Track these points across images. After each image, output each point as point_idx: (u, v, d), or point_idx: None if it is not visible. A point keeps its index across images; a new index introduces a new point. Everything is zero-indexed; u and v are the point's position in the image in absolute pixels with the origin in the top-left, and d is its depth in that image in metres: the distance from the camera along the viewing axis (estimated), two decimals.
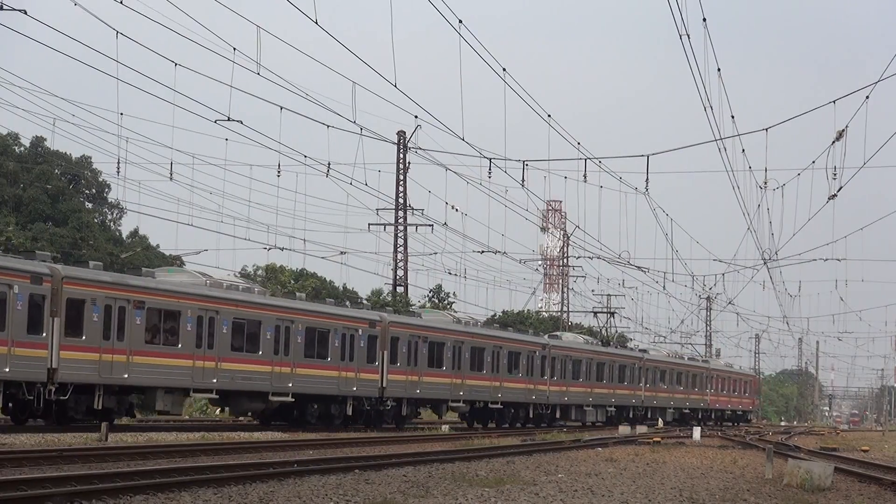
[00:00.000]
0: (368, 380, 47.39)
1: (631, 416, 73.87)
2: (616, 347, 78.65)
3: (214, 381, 40.37)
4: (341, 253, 66.23)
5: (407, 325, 50.63)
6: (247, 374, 41.71)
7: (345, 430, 45.36)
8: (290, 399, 43.80)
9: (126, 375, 37.00)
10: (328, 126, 44.15)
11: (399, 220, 70.01)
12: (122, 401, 38.10)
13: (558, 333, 72.24)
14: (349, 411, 46.96)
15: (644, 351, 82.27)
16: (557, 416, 64.35)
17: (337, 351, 45.82)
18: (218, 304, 40.51)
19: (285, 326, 43.43)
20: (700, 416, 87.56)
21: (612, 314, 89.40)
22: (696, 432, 52.41)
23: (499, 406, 57.32)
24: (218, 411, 54.60)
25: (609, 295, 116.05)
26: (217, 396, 41.79)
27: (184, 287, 39.78)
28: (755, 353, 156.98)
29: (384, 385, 48.05)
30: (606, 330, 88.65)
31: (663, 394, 79.61)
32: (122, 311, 36.83)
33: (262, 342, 42.41)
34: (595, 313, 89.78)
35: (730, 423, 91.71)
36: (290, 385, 43.61)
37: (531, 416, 60.98)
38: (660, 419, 77.67)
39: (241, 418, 50.12)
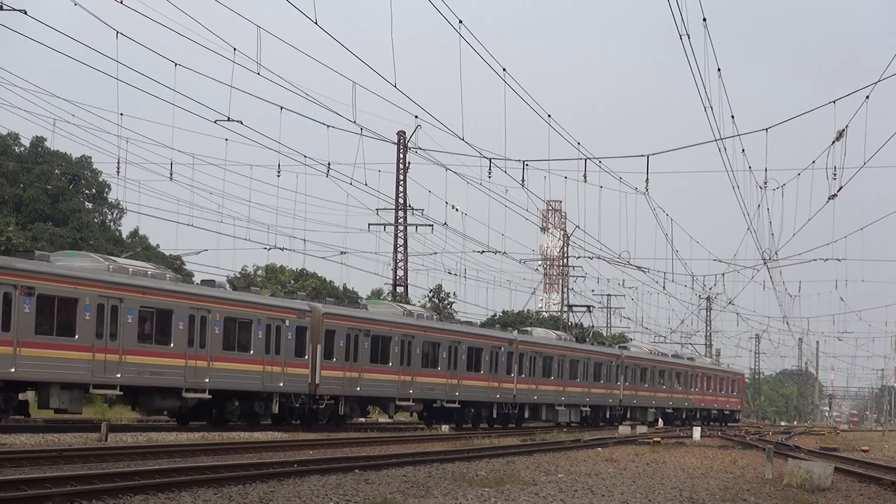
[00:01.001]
0: (297, 375, 43.92)
1: (608, 416, 71.08)
2: (592, 344, 74.36)
3: (118, 375, 36.65)
4: (341, 253, 66.26)
5: (344, 316, 46.78)
6: (156, 369, 38.07)
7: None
8: (206, 396, 40.30)
9: (13, 369, 33.56)
10: (328, 126, 44.25)
11: (399, 220, 69.96)
12: (10, 398, 35.01)
13: (528, 329, 68.90)
14: (275, 409, 43.61)
15: (624, 348, 78.81)
16: (526, 416, 61.18)
17: (260, 343, 42.27)
18: (122, 291, 36.79)
19: (201, 316, 39.79)
20: (684, 416, 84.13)
21: (590, 309, 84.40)
22: (696, 432, 52.43)
23: (456, 405, 53.91)
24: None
25: (609, 295, 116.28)
26: (122, 393, 37.91)
27: (81, 272, 36.15)
28: (755, 353, 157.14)
29: (316, 381, 44.59)
30: (581, 326, 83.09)
31: (644, 393, 75.69)
32: (7, 298, 33.36)
33: (174, 333, 38.70)
34: (570, 307, 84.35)
35: (716, 424, 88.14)
36: (207, 380, 40.02)
37: (495, 415, 57.52)
38: (659, 419, 77.37)
39: (158, 419, 46.12)
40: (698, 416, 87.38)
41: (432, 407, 53.57)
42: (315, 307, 45.61)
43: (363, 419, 55.99)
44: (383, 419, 60.24)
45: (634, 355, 76.11)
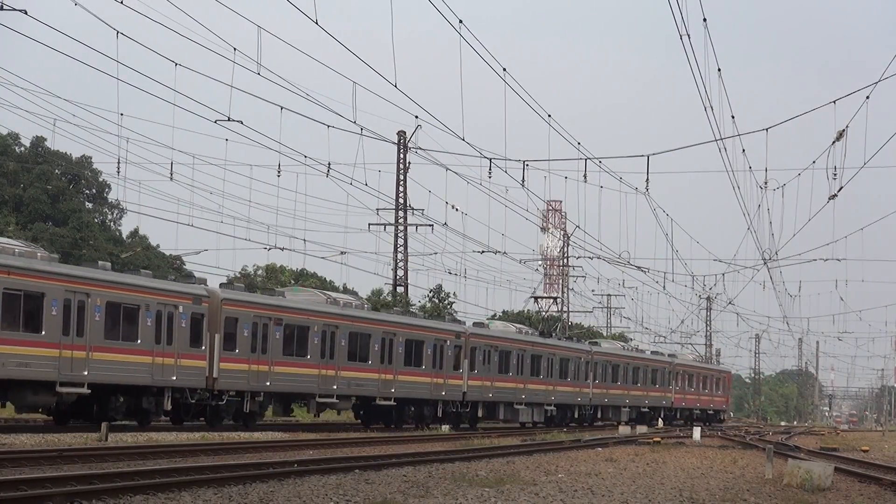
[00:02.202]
0: (192, 367, 39.38)
1: (576, 415, 67.33)
2: (560, 339, 68.56)
3: None
4: (341, 253, 66.22)
5: (249, 303, 42.21)
6: (23, 360, 33.70)
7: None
8: (85, 391, 35.79)
9: None
10: (328, 126, 44.21)
11: (399, 220, 69.97)
12: None
13: (485, 321, 64.80)
14: (168, 405, 39.26)
15: (595, 343, 74.62)
16: (480, 414, 56.90)
17: (149, 331, 37.71)
18: None
19: (78, 301, 35.30)
20: (662, 416, 79.18)
21: (555, 300, 76.31)
22: (696, 432, 52.54)
23: (391, 403, 49.49)
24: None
25: (609, 295, 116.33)
26: None
27: None
28: (755, 353, 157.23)
29: (214, 374, 40.14)
30: (548, 319, 75.40)
31: (616, 391, 71.49)
32: None
33: (46, 319, 34.26)
34: (535, 299, 75.48)
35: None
36: (86, 373, 35.61)
37: (439, 414, 52.83)
38: (659, 419, 77.19)
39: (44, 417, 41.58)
40: (678, 416, 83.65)
41: (370, 405, 49.54)
42: (213, 292, 40.86)
43: (293, 419, 51.53)
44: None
45: (605, 351, 72.32)
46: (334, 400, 46.32)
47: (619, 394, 72.43)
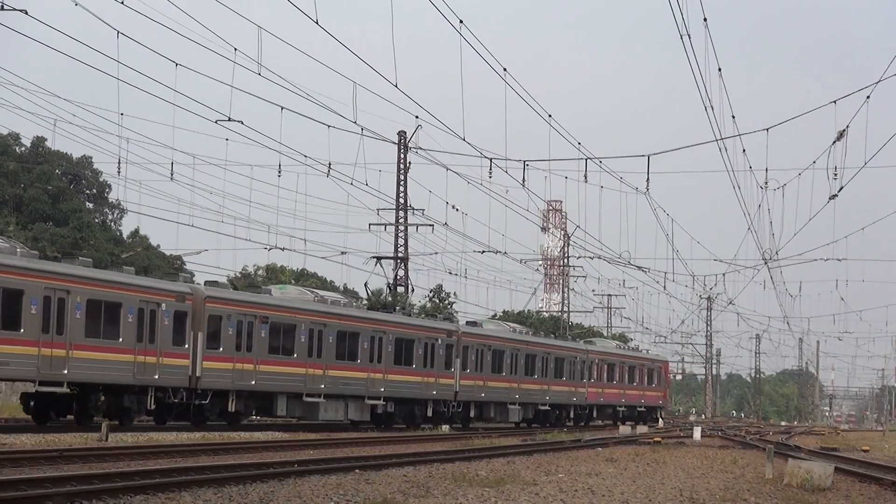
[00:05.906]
0: None
1: (429, 413, 52.08)
2: (410, 315, 54.12)
3: None
4: (342, 253, 66.25)
5: None
6: None
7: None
8: None
9: None
10: (329, 126, 44.25)
11: (399, 220, 69.97)
12: None
13: (268, 287, 49.09)
14: None
15: (473, 324, 60.27)
16: (234, 409, 41.65)
17: None
18: None
19: None
20: (572, 415, 66.65)
21: (403, 261, 57.04)
22: (697, 432, 52.63)
23: (66, 390, 35.17)
24: None
25: (609, 295, 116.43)
26: None
27: None
28: (756, 353, 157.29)
29: None
30: (377, 292, 57.40)
31: (498, 384, 56.63)
32: None
33: None
34: (377, 259, 59.49)
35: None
36: None
37: (150, 405, 38.38)
38: (659, 419, 77.00)
39: None
40: (595, 414, 71.36)
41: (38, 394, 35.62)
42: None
43: None
44: None
45: (482, 333, 57.06)
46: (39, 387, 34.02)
47: (504, 387, 57.50)
